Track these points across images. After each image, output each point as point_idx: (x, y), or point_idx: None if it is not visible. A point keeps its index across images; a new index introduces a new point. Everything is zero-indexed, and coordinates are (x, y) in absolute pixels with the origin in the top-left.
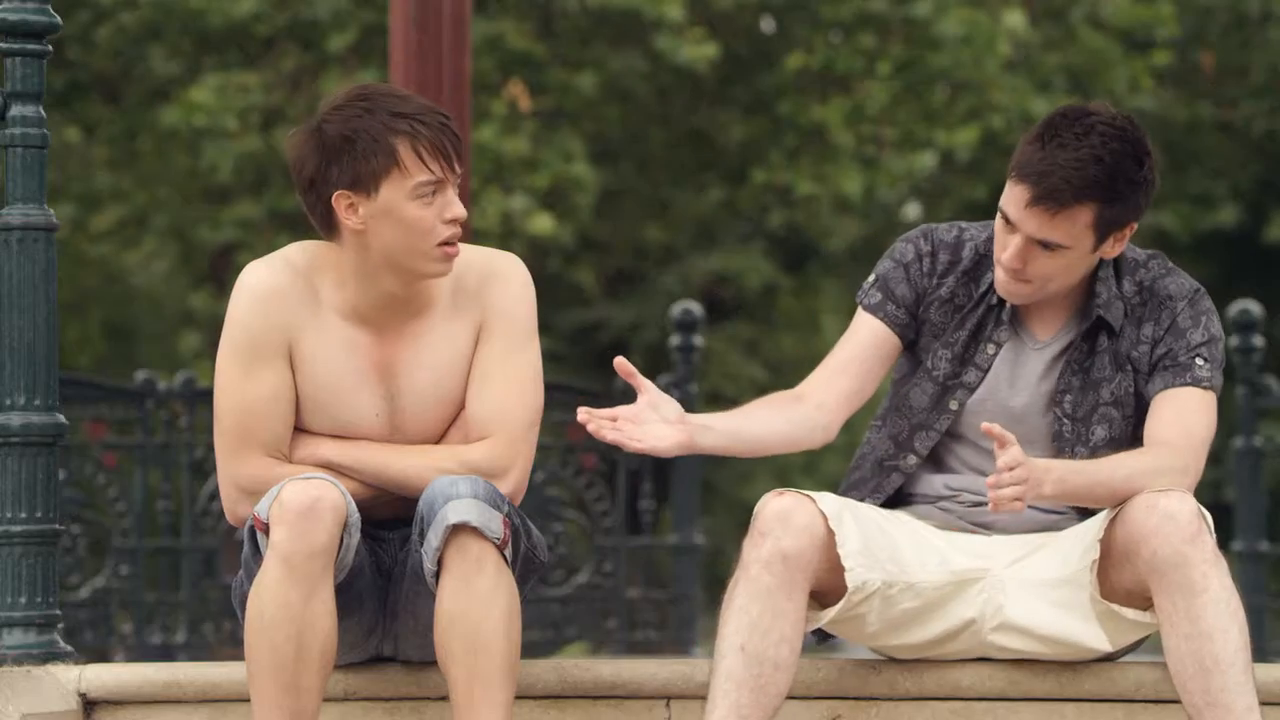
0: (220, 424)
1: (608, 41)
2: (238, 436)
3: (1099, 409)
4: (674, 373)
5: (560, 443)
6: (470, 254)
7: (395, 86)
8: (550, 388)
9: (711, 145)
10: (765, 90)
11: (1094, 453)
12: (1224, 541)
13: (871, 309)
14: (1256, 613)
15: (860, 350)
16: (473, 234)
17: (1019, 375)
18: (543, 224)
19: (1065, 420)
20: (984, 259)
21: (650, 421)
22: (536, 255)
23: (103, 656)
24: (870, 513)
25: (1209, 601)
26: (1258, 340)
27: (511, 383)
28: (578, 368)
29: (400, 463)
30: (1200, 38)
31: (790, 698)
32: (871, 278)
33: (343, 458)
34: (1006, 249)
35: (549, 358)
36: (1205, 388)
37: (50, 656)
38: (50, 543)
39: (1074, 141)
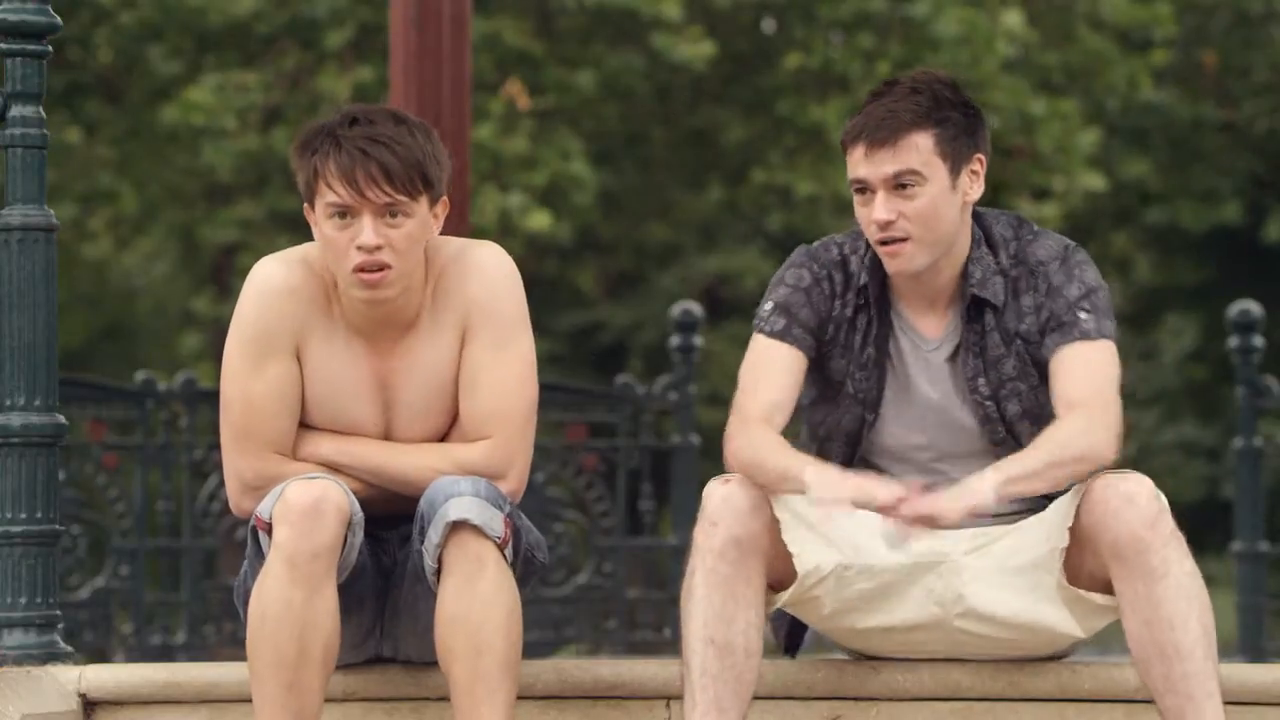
0: (227, 416)
1: (606, 40)
2: (243, 431)
3: (1005, 385)
4: (674, 373)
5: (560, 443)
6: (447, 247)
7: (381, 109)
8: (550, 388)
9: (712, 145)
10: (765, 90)
11: (1010, 428)
12: (1224, 541)
13: (779, 335)
14: (1256, 613)
15: (789, 378)
16: (470, 231)
17: (929, 375)
18: (540, 220)
19: (988, 403)
20: (862, 269)
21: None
22: (536, 254)
23: (103, 656)
24: None
25: (1169, 587)
26: (1258, 340)
27: (502, 380)
28: (577, 369)
29: (399, 461)
30: (1202, 37)
31: (790, 698)
32: (769, 305)
33: (342, 455)
34: (874, 212)
35: (549, 359)
36: (1094, 338)
37: (50, 656)
38: (50, 543)
39: (885, 92)
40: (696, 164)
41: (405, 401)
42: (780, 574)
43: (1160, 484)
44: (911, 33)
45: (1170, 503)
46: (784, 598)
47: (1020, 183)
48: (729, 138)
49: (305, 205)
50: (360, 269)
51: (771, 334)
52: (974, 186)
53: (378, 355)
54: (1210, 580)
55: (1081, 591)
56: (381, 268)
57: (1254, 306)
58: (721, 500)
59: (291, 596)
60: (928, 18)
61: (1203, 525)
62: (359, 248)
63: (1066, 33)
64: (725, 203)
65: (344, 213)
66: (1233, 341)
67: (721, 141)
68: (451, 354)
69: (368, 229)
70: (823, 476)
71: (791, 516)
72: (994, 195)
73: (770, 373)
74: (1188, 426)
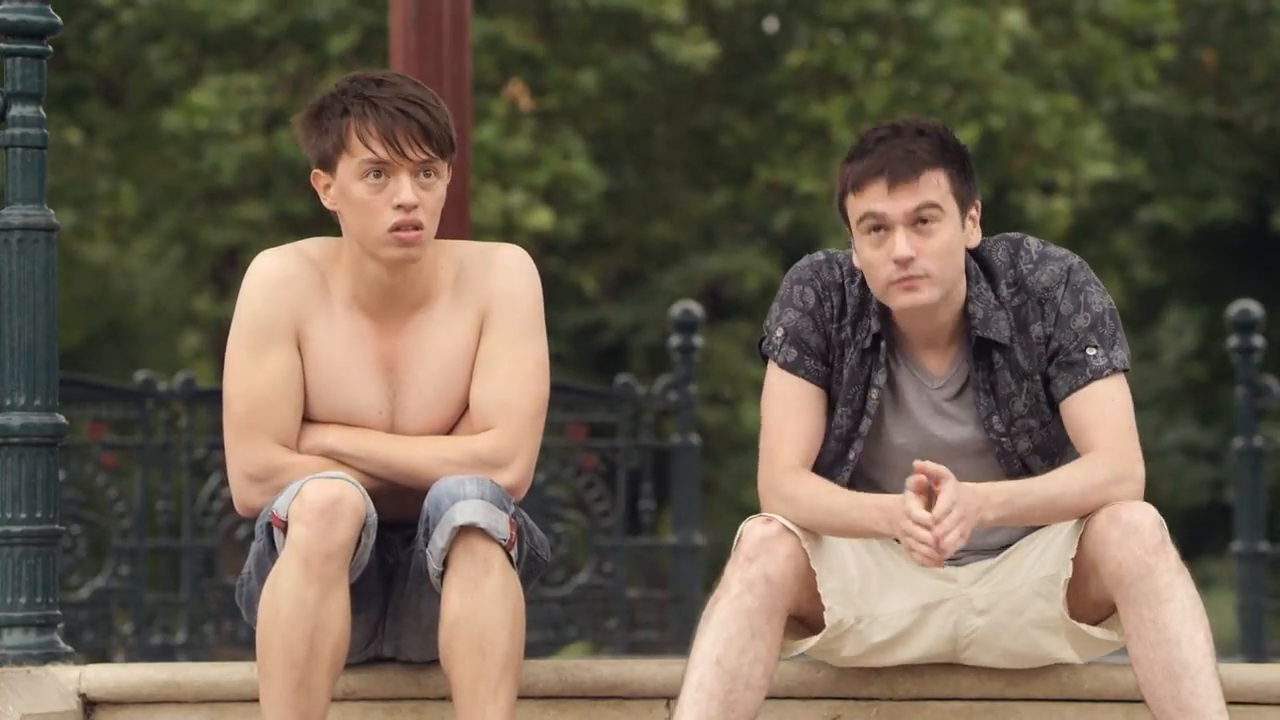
0: (229, 410)
1: (608, 41)
2: (246, 422)
3: (1016, 422)
4: (674, 373)
5: (560, 443)
6: (473, 247)
7: (393, 73)
8: (551, 388)
9: (714, 145)
10: (767, 88)
11: (1024, 462)
12: (1224, 542)
13: (791, 367)
14: (1256, 613)
15: (814, 419)
16: (472, 230)
17: (933, 411)
18: (541, 218)
19: (1004, 439)
20: (859, 298)
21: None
22: (540, 252)
23: (103, 656)
24: (840, 546)
25: (1175, 610)
26: (1258, 340)
27: (516, 372)
28: (578, 368)
29: (406, 452)
30: (1202, 35)
31: (790, 698)
32: (780, 331)
33: (348, 446)
34: (893, 250)
35: (550, 359)
36: (1105, 374)
37: (50, 656)
38: (50, 543)
39: (891, 135)
40: (699, 163)
41: (413, 385)
42: (804, 613)
43: (1161, 488)
44: (913, 32)
45: (1171, 506)
46: (807, 644)
47: (1026, 179)
48: (731, 137)
49: (317, 174)
50: (396, 228)
51: (785, 365)
52: (974, 233)
53: (386, 335)
54: (1210, 581)
55: (1084, 626)
56: (417, 227)
57: (1254, 306)
58: (760, 539)
59: (305, 595)
60: (929, 17)
61: (1203, 526)
62: (398, 206)
63: (1069, 30)
64: (729, 202)
65: (379, 172)
66: (1233, 341)
67: (724, 141)
68: (467, 341)
69: (406, 187)
70: (897, 522)
71: (827, 570)
72: (1002, 193)
73: (793, 412)
74: (1188, 428)
